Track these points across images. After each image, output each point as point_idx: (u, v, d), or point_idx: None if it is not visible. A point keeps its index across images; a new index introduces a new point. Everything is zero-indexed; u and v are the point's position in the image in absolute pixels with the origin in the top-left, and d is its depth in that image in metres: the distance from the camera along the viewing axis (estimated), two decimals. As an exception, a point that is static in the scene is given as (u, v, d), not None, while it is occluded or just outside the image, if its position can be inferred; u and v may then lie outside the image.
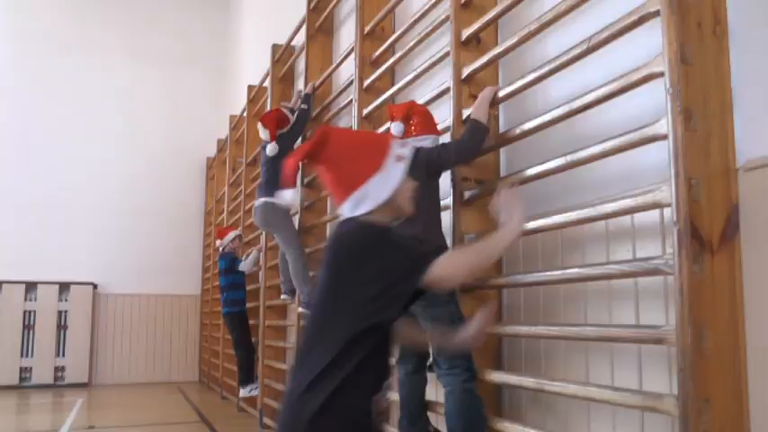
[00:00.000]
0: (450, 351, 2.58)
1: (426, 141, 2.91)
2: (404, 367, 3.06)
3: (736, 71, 1.86)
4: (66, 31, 10.61)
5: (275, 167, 4.90)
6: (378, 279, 1.63)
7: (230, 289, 6.64)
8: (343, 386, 1.59)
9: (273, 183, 4.90)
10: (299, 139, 5.20)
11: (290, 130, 5.11)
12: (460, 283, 2.34)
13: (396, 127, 2.95)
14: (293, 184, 2.90)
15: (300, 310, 5.06)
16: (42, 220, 10.02)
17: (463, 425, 2.63)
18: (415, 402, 3.05)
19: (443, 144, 2.92)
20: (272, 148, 4.97)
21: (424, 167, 2.78)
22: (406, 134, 2.92)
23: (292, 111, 5.27)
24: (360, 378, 1.62)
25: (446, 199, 3.00)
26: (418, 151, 2.73)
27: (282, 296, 5.49)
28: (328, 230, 5.14)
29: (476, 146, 2.78)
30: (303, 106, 5.25)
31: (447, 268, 1.66)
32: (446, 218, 3.01)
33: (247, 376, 6.56)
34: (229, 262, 6.68)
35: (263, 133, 5.09)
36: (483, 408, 2.66)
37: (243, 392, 6.53)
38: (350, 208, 1.75)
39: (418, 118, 2.97)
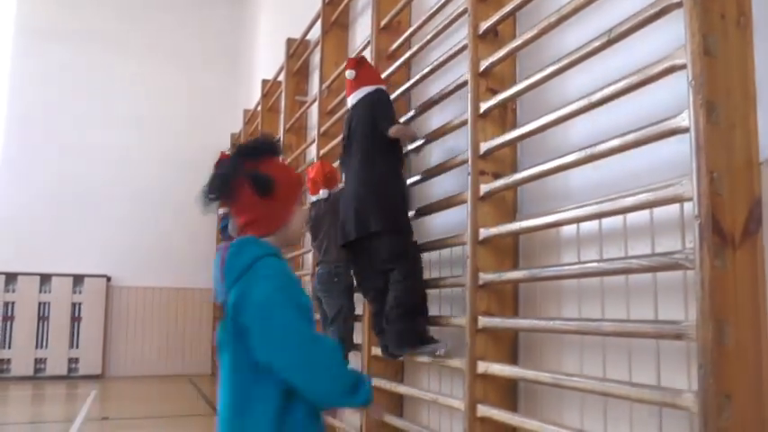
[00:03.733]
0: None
1: (336, 189, 4.30)
2: None
3: (760, 63, 1.83)
4: (81, 25, 10.65)
5: None
6: None
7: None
8: None
9: None
10: None
11: None
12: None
13: (323, 193, 4.34)
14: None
15: None
16: (57, 213, 10.09)
17: None
18: None
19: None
20: None
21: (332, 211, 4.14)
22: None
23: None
24: None
25: (463, 193, 3.00)
26: (329, 197, 4.30)
27: None
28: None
29: None
30: None
31: None
32: (462, 212, 3.00)
33: None
34: (226, 220, 7.17)
35: None
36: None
37: None
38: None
39: (330, 175, 4.38)
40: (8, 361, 9.54)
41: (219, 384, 1.81)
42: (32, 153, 10.13)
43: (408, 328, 3.23)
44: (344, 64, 5.14)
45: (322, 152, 5.35)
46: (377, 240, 3.38)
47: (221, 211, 7.88)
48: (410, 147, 3.72)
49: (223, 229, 7.70)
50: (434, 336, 3.34)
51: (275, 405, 1.72)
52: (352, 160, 3.64)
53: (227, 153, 7.12)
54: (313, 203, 4.45)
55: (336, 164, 4.36)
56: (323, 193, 4.34)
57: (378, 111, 3.58)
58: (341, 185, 4.18)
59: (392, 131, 3.47)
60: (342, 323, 4.16)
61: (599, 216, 2.31)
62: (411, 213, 3.61)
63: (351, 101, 3.82)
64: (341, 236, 3.61)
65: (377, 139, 3.51)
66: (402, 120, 3.92)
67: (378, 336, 3.65)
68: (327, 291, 4.23)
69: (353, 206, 3.47)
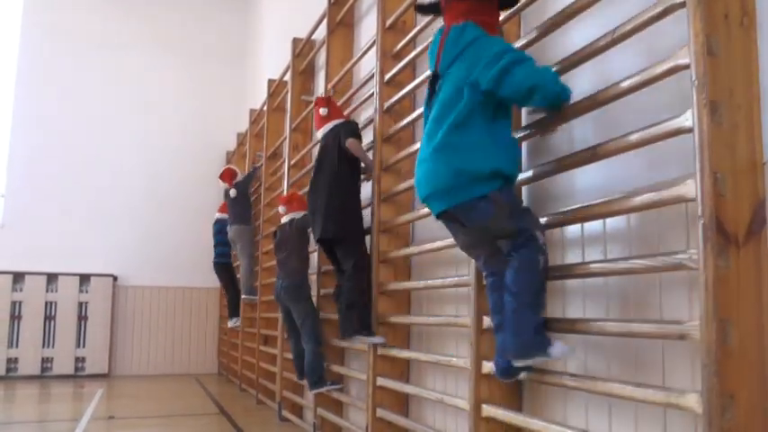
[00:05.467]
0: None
1: (299, 215, 5.27)
2: (292, 341, 5.33)
3: (763, 63, 1.83)
4: (86, 24, 10.70)
5: (237, 203, 7.91)
6: None
7: (222, 246, 8.44)
8: None
9: (237, 213, 7.87)
10: (249, 187, 8.22)
11: (244, 180, 8.07)
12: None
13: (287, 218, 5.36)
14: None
15: (243, 296, 7.79)
16: (63, 213, 10.13)
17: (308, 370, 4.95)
18: (300, 362, 5.07)
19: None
20: (233, 192, 7.95)
21: (296, 233, 5.26)
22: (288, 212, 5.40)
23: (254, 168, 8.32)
24: None
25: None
26: (292, 221, 5.32)
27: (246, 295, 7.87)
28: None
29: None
30: (251, 171, 8.27)
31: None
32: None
33: (234, 312, 8.44)
34: (221, 225, 8.52)
35: (223, 185, 8.14)
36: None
37: (231, 323, 8.51)
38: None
39: (296, 202, 5.34)
40: (15, 360, 9.59)
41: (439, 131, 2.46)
42: (39, 153, 10.18)
43: (349, 319, 4.04)
44: (350, 63, 5.19)
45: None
46: (337, 244, 4.28)
47: (218, 215, 8.71)
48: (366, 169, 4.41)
49: (217, 233, 8.54)
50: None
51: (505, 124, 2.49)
52: (321, 180, 4.39)
53: (231, 168, 8.33)
54: (279, 227, 5.48)
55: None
56: (287, 218, 5.31)
57: (343, 132, 4.36)
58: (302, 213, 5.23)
59: (348, 143, 4.26)
60: (311, 324, 5.00)
61: (603, 216, 2.31)
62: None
63: (320, 133, 4.61)
64: (315, 233, 4.43)
65: (343, 163, 4.30)
66: (406, 121, 3.93)
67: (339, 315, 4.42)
68: (295, 299, 5.10)
69: (323, 213, 4.27)
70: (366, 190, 4.45)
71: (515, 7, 2.81)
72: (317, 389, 4.90)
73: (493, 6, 2.62)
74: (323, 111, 4.57)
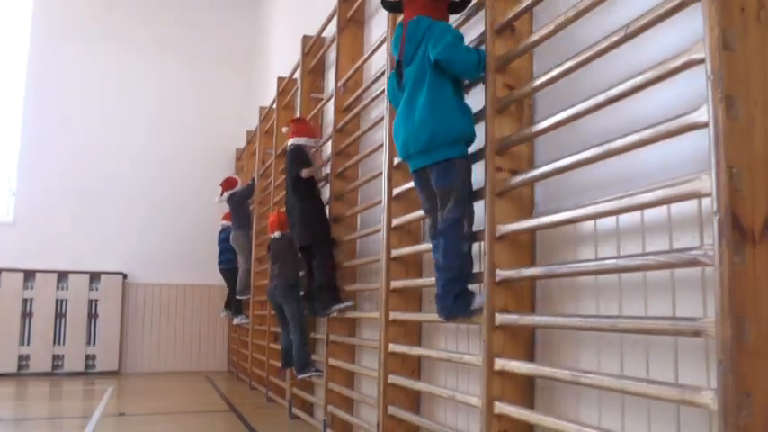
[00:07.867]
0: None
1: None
2: (283, 333, 6.00)
3: (780, 58, 1.81)
4: (96, 23, 10.72)
5: (237, 211, 8.50)
6: None
7: (227, 252, 8.80)
8: None
9: (235, 220, 8.47)
10: (248, 198, 8.82)
11: (242, 191, 8.67)
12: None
13: (278, 234, 6.03)
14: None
15: (242, 297, 8.45)
16: (73, 211, 10.17)
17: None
18: (287, 352, 5.82)
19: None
20: (219, 200, 8.63)
21: (287, 245, 5.88)
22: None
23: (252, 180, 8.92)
24: None
25: (481, 190, 2.99)
26: (284, 236, 5.97)
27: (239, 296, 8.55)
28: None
29: None
30: (249, 183, 8.88)
31: None
32: (480, 209, 2.99)
33: (238, 310, 8.85)
34: (226, 234, 8.84)
35: (222, 195, 8.60)
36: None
37: (236, 320, 8.95)
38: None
39: (284, 223, 5.91)
40: (27, 357, 9.65)
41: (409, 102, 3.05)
42: (50, 151, 10.22)
43: (327, 298, 5.00)
44: (360, 60, 5.19)
45: (338, 149, 5.35)
46: (313, 246, 5.24)
47: (223, 223, 9.03)
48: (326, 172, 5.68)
49: (223, 241, 8.85)
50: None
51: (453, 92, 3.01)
52: (290, 197, 5.51)
53: (232, 177, 8.87)
54: (272, 241, 6.18)
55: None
56: (278, 234, 5.99)
57: (297, 161, 5.46)
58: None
59: (304, 173, 5.37)
60: (300, 319, 5.73)
61: (616, 212, 2.29)
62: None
63: (289, 144, 5.67)
64: (296, 242, 5.46)
65: (300, 183, 5.41)
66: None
67: (306, 301, 5.52)
68: (287, 297, 5.82)
69: (299, 225, 5.33)
70: (377, 188, 4.44)
71: (465, 10, 3.32)
72: (302, 374, 5.62)
73: (442, 7, 3.18)
74: (284, 129, 5.82)
